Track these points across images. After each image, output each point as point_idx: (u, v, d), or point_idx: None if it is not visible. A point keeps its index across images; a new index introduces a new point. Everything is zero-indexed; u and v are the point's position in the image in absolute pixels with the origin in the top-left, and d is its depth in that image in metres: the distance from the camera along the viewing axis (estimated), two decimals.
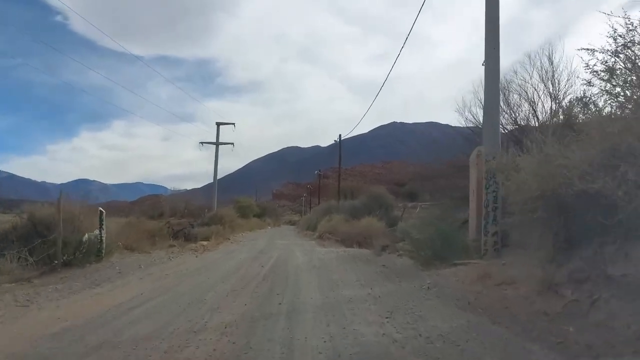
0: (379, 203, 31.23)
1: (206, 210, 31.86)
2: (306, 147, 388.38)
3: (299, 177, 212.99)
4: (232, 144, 37.26)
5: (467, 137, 19.21)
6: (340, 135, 36.97)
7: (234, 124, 37.69)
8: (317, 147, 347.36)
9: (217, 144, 36.61)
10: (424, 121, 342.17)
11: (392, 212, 30.98)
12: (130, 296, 8.72)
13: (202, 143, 36.51)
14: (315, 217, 41.00)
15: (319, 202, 60.68)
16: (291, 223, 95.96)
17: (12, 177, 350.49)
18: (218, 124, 36.51)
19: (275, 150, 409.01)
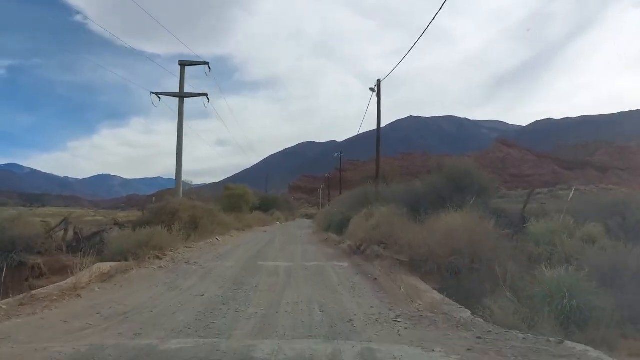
0: (463, 185, 16.33)
1: (153, 199, 17.43)
2: (322, 142, 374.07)
3: (315, 171, 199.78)
4: (205, 94, 22.85)
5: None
6: (379, 82, 21.97)
7: (207, 63, 23.15)
8: (333, 142, 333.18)
9: (182, 95, 22.26)
10: (441, 115, 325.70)
11: (491, 200, 16.17)
12: None
13: (155, 94, 22.25)
14: (339, 210, 26.14)
15: (340, 192, 45.84)
16: (307, 216, 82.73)
17: (33, 172, 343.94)
18: (182, 65, 22.14)
19: (292, 145, 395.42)
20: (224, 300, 7.62)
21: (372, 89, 22.66)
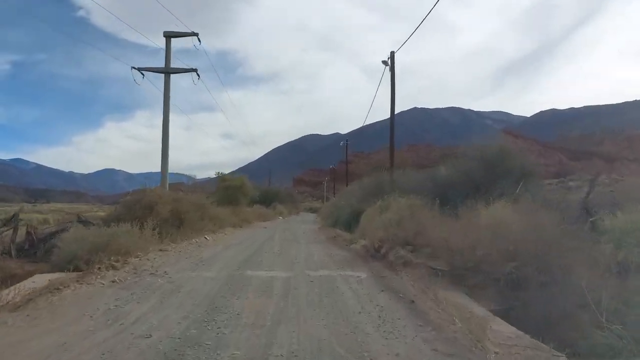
0: (502, 170, 13.21)
1: (128, 195, 14.43)
2: (326, 134, 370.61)
3: (319, 164, 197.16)
4: (194, 70, 19.64)
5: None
6: (392, 54, 18.82)
7: (196, 34, 19.90)
8: (337, 134, 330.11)
9: (167, 71, 19.12)
10: (445, 106, 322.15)
11: (540, 188, 13.10)
12: None
13: (137, 69, 19.04)
14: (347, 203, 23.08)
15: (347, 184, 42.74)
16: (312, 210, 79.87)
17: (39, 167, 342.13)
18: (168, 36, 18.88)
19: (296, 138, 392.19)
20: (180, 348, 4.60)
21: (385, 62, 19.48)
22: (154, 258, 10.56)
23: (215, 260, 10.99)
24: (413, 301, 6.53)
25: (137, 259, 10.05)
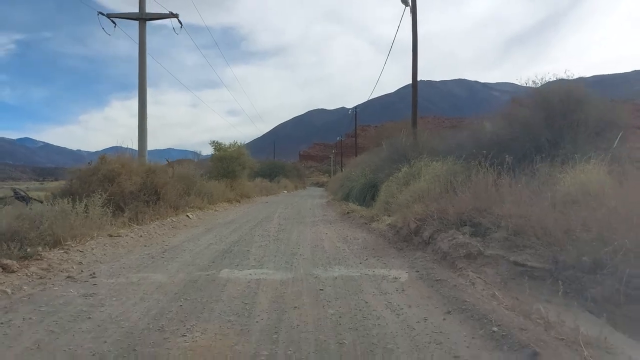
0: (572, 122, 9.63)
1: (89, 163, 10.98)
2: (332, 109, 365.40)
3: (325, 138, 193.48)
4: (175, 16, 15.89)
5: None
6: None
7: (175, 15, 16.05)
8: (343, 108, 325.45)
9: (142, 17, 15.32)
10: (451, 79, 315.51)
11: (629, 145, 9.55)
12: None
13: (106, 16, 15.40)
14: (360, 173, 19.65)
15: (355, 154, 39.18)
16: (318, 184, 76.82)
17: (47, 145, 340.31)
18: (141, 18, 15.15)
19: (302, 113, 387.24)
20: None
21: (404, 1, 15.66)
22: (94, 248, 7.21)
23: (184, 250, 7.64)
24: (536, 353, 3.10)
25: (62, 250, 6.70)
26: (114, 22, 15.93)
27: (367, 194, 17.69)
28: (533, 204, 6.39)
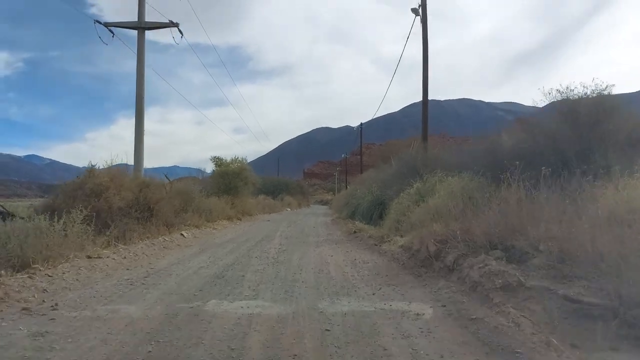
0: (603, 133, 8.71)
1: (77, 179, 10.09)
2: (336, 127, 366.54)
3: (329, 157, 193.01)
4: (175, 25, 15.20)
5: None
6: (424, 1, 14.27)
7: (176, 25, 15.27)
8: (348, 127, 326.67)
9: (141, 26, 14.64)
10: (456, 98, 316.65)
11: None
12: None
13: (104, 25, 14.72)
14: (368, 189, 18.75)
15: (361, 170, 38.25)
16: (322, 202, 75.88)
17: (53, 163, 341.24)
18: (140, 27, 14.44)
19: (307, 131, 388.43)
20: None
21: (415, 10, 14.94)
22: (65, 272, 6.27)
23: (170, 274, 6.69)
24: None
25: (27, 275, 5.77)
26: (112, 32, 15.28)
27: (375, 212, 16.72)
28: (574, 224, 5.43)
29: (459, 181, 10.03)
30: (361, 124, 43.12)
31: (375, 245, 9.34)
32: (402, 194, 11.58)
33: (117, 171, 10.90)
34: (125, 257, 7.84)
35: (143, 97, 15.04)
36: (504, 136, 11.11)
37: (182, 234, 11.89)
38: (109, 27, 15.29)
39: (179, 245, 10.36)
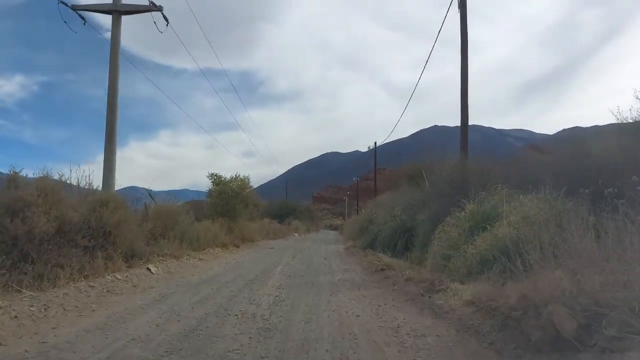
0: None
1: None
2: (346, 152, 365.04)
3: (339, 181, 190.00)
4: (158, 8, 12.52)
5: None
6: None
7: (159, 8, 12.62)
8: (357, 152, 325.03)
9: (117, 10, 11.89)
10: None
11: None
12: None
13: (71, 8, 12.07)
14: (388, 215, 15.65)
15: (375, 193, 34.97)
16: (332, 227, 72.53)
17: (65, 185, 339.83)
18: (115, 11, 11.86)
19: (316, 156, 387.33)
20: None
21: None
22: None
23: None
24: None
25: None
26: (82, 18, 12.54)
27: (399, 241, 13.52)
28: None
29: (537, 202, 6.87)
30: (375, 143, 40.08)
31: (422, 295, 6.09)
32: (447, 219, 8.38)
33: (51, 182, 7.85)
34: (16, 317, 4.69)
35: (117, 89, 12.11)
36: (588, 142, 7.94)
37: (149, 269, 8.75)
38: (78, 12, 12.55)
39: (134, 287, 7.20)
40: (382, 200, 23.62)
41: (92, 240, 8.27)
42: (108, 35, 12.66)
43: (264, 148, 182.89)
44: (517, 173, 9.05)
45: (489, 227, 7.28)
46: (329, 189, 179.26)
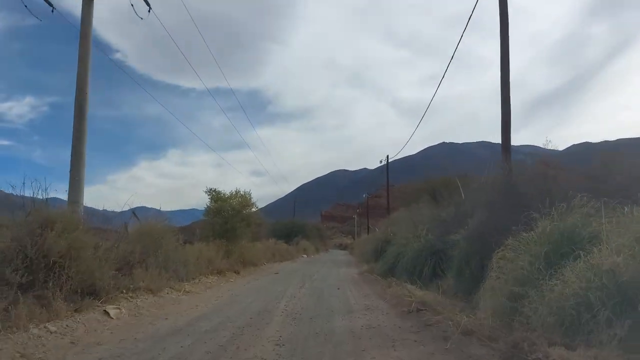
0: None
1: None
2: (354, 170, 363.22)
3: (348, 199, 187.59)
4: None
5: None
6: None
7: None
8: (365, 169, 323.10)
9: None
10: (474, 141, 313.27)
11: None
12: None
13: None
14: (411, 235, 13.35)
15: (388, 210, 32.55)
16: (341, 247, 69.91)
17: None
18: None
19: (324, 174, 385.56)
20: None
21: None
22: None
23: None
24: None
25: None
26: (50, 4, 10.63)
27: (426, 266, 11.24)
28: None
29: None
30: (387, 157, 37.86)
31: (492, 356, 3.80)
32: (509, 240, 6.10)
33: None
34: None
35: (86, 90, 10.03)
36: None
37: (106, 312, 6.53)
38: None
39: (71, 343, 4.97)
40: (398, 218, 21.31)
41: (32, 275, 6.16)
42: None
43: (273, 166, 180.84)
44: (596, 180, 6.80)
45: (579, 252, 5.03)
46: (337, 207, 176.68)
